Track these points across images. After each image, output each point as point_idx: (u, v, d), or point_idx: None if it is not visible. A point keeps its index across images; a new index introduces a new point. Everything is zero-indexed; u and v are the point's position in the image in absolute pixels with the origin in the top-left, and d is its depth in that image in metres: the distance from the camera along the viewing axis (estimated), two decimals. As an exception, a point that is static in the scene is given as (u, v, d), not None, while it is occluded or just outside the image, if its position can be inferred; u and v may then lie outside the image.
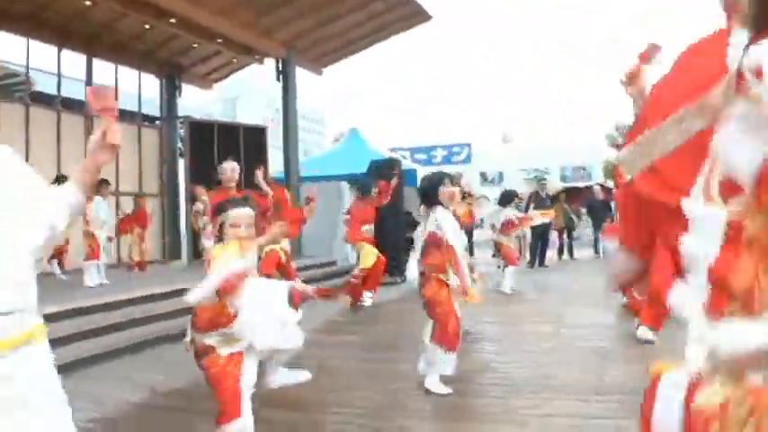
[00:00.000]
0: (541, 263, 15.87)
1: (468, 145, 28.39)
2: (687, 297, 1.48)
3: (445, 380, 5.42)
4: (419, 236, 5.72)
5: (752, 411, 1.27)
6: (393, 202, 11.53)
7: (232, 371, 3.69)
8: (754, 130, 1.34)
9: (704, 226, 1.47)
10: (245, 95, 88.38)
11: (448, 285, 5.38)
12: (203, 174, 11.43)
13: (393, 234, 12.92)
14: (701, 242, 1.47)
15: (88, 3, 11.94)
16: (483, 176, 24.99)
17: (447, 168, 17.97)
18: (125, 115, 14.89)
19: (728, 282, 1.33)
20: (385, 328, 8.85)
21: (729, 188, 1.40)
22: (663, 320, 7.04)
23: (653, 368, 1.59)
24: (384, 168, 14.71)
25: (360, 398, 5.40)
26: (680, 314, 1.52)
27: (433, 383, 5.41)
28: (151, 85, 15.60)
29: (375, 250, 10.28)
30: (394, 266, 12.21)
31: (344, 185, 15.98)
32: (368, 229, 10.38)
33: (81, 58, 13.80)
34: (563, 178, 30.73)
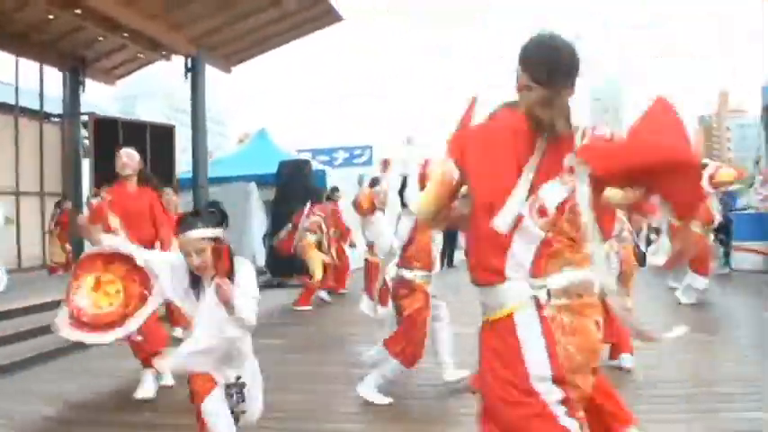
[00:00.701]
0: (450, 264, 16.06)
1: (370, 147, 28.44)
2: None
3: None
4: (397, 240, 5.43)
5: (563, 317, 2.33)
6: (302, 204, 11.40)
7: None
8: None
9: (526, 235, 2.34)
10: (144, 94, 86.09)
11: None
12: (108, 174, 11.00)
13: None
14: (522, 245, 2.36)
15: (-14, -11, 11.33)
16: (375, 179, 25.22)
17: (349, 170, 17.95)
18: (25, 111, 14.23)
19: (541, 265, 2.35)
20: (309, 331, 8.79)
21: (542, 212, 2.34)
22: None
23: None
24: (293, 169, 14.62)
25: (290, 401, 5.27)
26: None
27: (370, 393, 5.23)
28: (53, 80, 14.95)
29: (321, 255, 10.60)
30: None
31: (253, 186, 15.76)
32: None
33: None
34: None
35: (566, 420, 2.27)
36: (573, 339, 2.32)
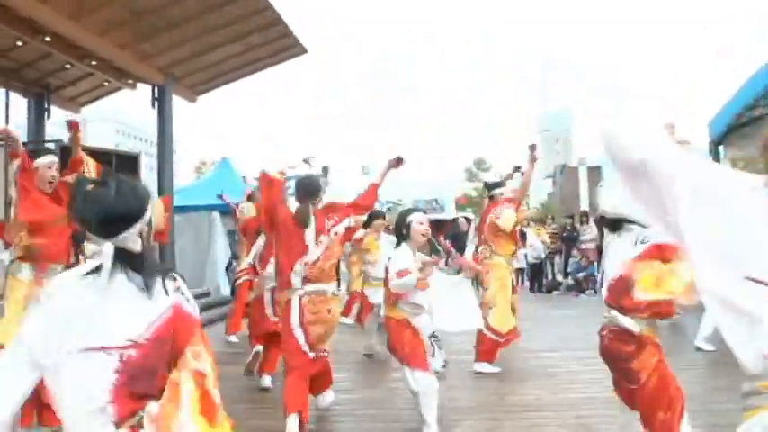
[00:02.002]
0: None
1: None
2: None
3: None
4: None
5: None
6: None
7: None
8: None
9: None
10: (93, 121, 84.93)
11: None
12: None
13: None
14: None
15: (-44, 15, 11.33)
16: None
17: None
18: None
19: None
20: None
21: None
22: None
23: None
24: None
25: (249, 428, 5.45)
26: None
27: None
28: (17, 107, 14.90)
29: None
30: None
31: (216, 215, 15.90)
32: None
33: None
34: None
35: None
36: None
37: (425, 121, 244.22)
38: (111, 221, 2.20)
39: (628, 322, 4.00)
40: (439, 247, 18.92)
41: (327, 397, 6.00)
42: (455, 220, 21.56)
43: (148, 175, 22.99)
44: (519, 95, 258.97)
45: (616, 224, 4.35)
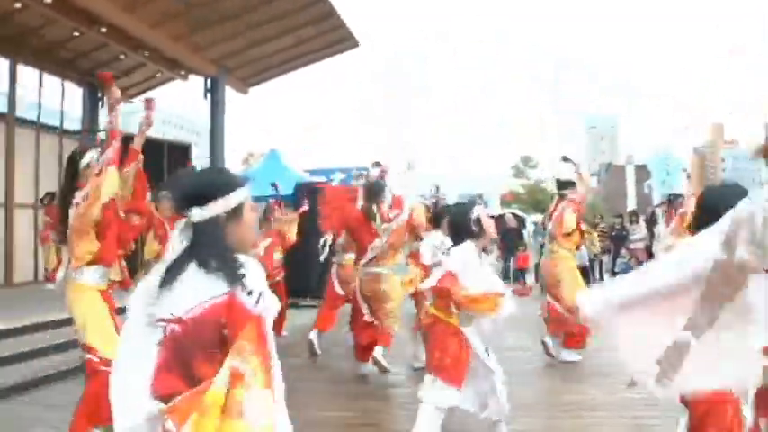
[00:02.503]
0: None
1: (367, 169, 28.70)
2: None
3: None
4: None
5: None
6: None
7: None
8: None
9: None
10: (136, 113, 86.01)
11: None
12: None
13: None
14: None
15: (18, 5, 11.54)
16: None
17: None
18: (45, 126, 14.44)
19: None
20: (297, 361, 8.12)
21: None
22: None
23: None
24: (314, 191, 14.80)
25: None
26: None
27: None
28: (73, 96, 15.17)
29: None
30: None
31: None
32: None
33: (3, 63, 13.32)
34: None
35: None
36: None
37: (438, 120, 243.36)
38: (188, 196, 2.25)
39: None
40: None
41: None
42: (502, 216, 21.33)
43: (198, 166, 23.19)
44: (532, 94, 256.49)
45: None
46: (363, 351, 7.24)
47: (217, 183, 2.30)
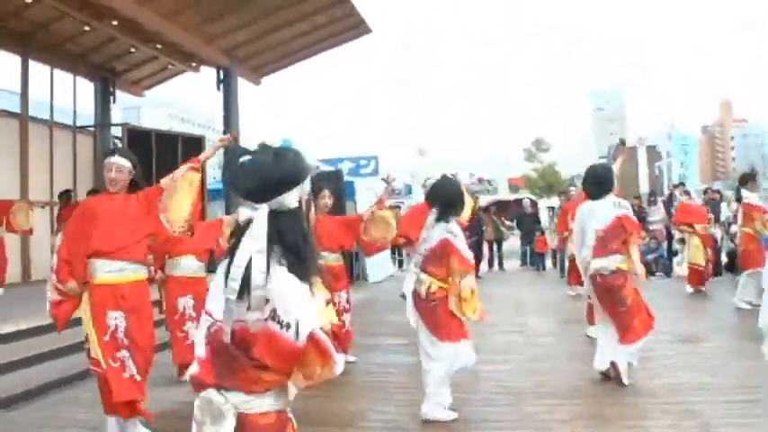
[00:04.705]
0: (475, 274, 16.11)
1: (375, 157, 28.71)
2: None
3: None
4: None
5: None
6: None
7: None
8: None
9: None
10: (146, 104, 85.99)
11: None
12: (141, 183, 11.10)
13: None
14: None
15: (28, 0, 11.43)
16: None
17: (354, 180, 17.99)
18: (59, 124, 14.35)
19: None
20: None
21: None
22: None
23: None
24: (327, 180, 14.69)
25: None
26: None
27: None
28: (84, 91, 15.06)
29: None
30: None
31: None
32: None
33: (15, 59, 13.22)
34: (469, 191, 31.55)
35: None
36: None
37: (450, 101, 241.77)
38: (269, 185, 2.05)
39: None
40: (502, 228, 18.72)
41: None
42: (519, 201, 21.14)
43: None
44: (546, 70, 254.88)
45: None
46: None
47: (296, 166, 2.11)
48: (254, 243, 1.97)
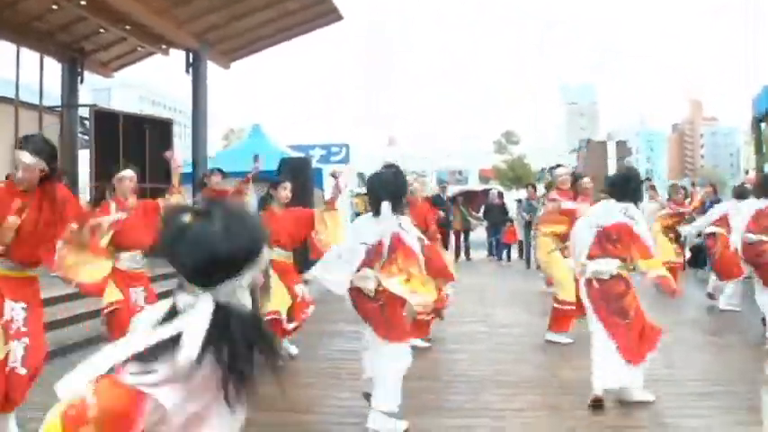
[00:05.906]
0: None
1: (346, 145, 28.73)
2: None
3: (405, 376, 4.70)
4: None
5: None
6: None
7: None
8: None
9: None
10: (117, 87, 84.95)
11: None
12: (108, 166, 10.99)
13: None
14: None
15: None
16: (361, 177, 25.44)
17: (325, 167, 18.01)
18: (24, 103, 14.10)
19: None
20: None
21: None
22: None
23: None
24: (298, 168, 14.62)
25: None
26: None
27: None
28: (52, 70, 14.83)
29: None
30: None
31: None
32: None
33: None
34: (439, 181, 31.62)
35: None
36: None
37: (421, 88, 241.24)
38: (216, 265, 1.64)
39: None
40: (470, 219, 18.81)
41: None
42: (487, 192, 21.25)
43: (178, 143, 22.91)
44: (518, 55, 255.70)
45: None
46: None
47: (251, 239, 1.72)
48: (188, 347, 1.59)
